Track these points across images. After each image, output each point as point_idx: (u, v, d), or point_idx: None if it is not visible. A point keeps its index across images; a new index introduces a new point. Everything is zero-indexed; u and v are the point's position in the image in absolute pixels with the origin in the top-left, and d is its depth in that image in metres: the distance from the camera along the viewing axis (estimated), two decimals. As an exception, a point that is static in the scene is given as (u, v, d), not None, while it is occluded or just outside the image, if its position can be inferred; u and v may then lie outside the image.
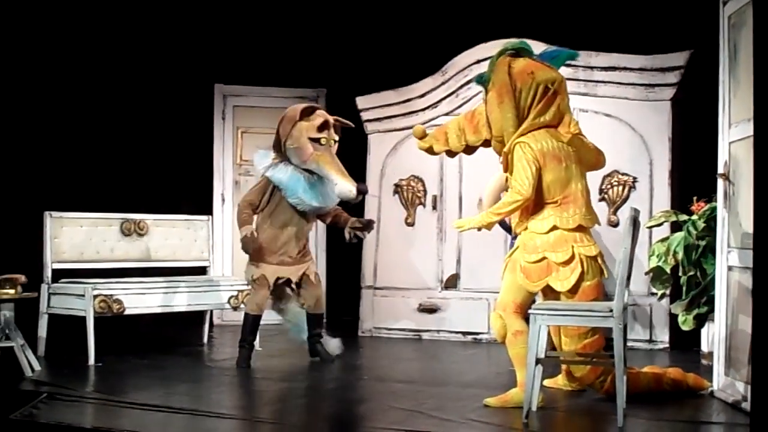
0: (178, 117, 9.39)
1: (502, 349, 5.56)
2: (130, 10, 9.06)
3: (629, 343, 5.53)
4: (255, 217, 6.89)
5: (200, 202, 9.14)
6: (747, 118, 4.91)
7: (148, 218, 7.85)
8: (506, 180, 5.71)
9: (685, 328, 6.63)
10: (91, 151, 9.05)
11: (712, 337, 5.85)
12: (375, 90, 8.78)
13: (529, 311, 5.10)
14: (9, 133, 8.57)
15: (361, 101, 8.80)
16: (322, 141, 6.77)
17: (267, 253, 6.81)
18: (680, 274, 6.60)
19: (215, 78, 9.52)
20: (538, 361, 5.02)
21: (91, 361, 6.75)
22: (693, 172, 7.33)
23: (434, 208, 8.51)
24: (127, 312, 7.05)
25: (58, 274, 7.27)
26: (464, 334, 8.09)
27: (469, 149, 5.75)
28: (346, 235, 7.18)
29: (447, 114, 8.15)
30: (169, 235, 7.94)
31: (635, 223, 4.97)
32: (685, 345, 7.27)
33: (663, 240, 6.82)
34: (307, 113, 6.79)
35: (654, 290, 7.12)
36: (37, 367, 6.36)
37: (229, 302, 7.59)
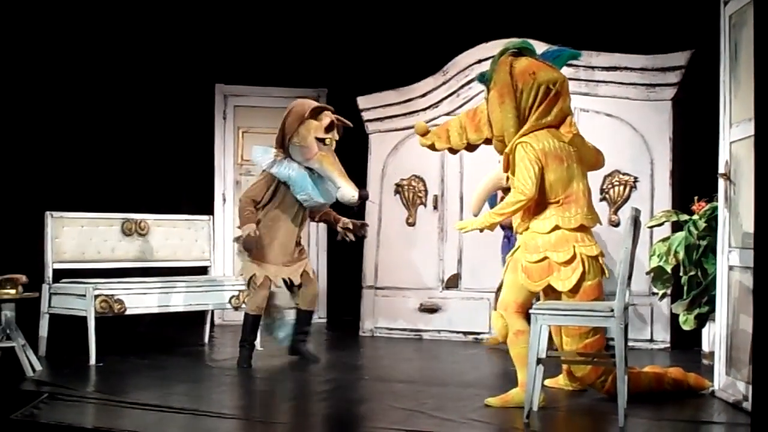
0: (179, 117, 9.40)
1: (502, 349, 5.56)
2: (131, 10, 9.06)
3: (630, 343, 5.52)
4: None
5: (201, 202, 9.15)
6: (748, 118, 4.91)
7: (149, 218, 7.85)
8: (506, 180, 5.71)
9: (686, 327, 6.62)
10: (92, 151, 9.05)
11: (713, 337, 5.84)
12: (376, 90, 8.78)
13: (530, 311, 5.10)
14: (10, 133, 8.58)
15: (362, 101, 8.80)
16: (327, 141, 6.77)
17: (269, 253, 6.79)
18: (681, 273, 6.60)
19: (216, 78, 9.53)
20: (539, 360, 5.01)
21: (92, 361, 6.75)
22: (694, 172, 7.33)
23: (435, 207, 8.51)
24: (128, 312, 7.05)
25: (59, 274, 7.27)
26: (465, 334, 8.09)
27: (471, 147, 5.75)
28: (339, 235, 7.20)
29: (448, 114, 8.14)
30: (169, 235, 7.94)
31: (636, 222, 4.97)
32: (686, 345, 7.27)
33: (664, 240, 6.82)
34: (316, 112, 6.78)
35: (655, 290, 7.12)
36: (38, 367, 6.36)
37: (230, 302, 7.59)
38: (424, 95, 8.52)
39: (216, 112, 9.53)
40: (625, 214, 7.33)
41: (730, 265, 5.33)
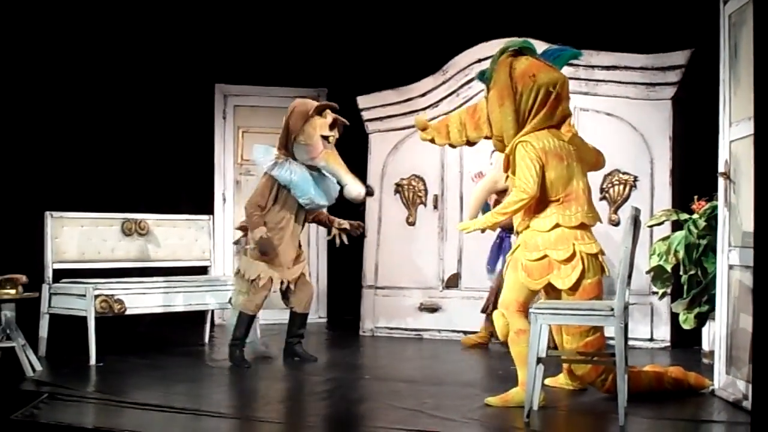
0: (179, 117, 9.39)
1: (502, 349, 5.56)
2: (131, 10, 9.06)
3: (630, 342, 5.51)
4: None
5: (201, 202, 9.15)
6: (747, 117, 4.90)
7: (149, 218, 7.85)
8: (505, 179, 5.71)
9: (686, 326, 6.62)
10: (91, 151, 9.04)
11: (713, 336, 5.84)
12: (376, 89, 8.78)
13: (530, 310, 5.10)
14: (9, 133, 8.57)
15: (362, 101, 8.80)
16: (330, 139, 6.78)
17: (274, 255, 6.78)
18: (681, 272, 6.60)
19: (216, 78, 9.53)
20: (539, 360, 5.01)
21: (92, 361, 6.75)
22: (694, 171, 7.32)
23: (435, 207, 8.51)
24: (128, 312, 7.05)
25: (59, 274, 7.27)
26: (465, 333, 8.08)
27: (471, 143, 5.76)
28: (333, 237, 7.20)
29: (448, 113, 8.12)
30: (169, 235, 7.94)
31: (636, 222, 4.97)
32: (686, 344, 7.27)
33: (664, 239, 6.82)
34: (320, 109, 6.77)
35: (655, 289, 7.11)
36: (38, 367, 6.36)
37: (230, 302, 7.58)
38: (423, 95, 8.52)
39: (216, 112, 9.53)
40: (625, 213, 7.32)
41: (730, 264, 5.33)
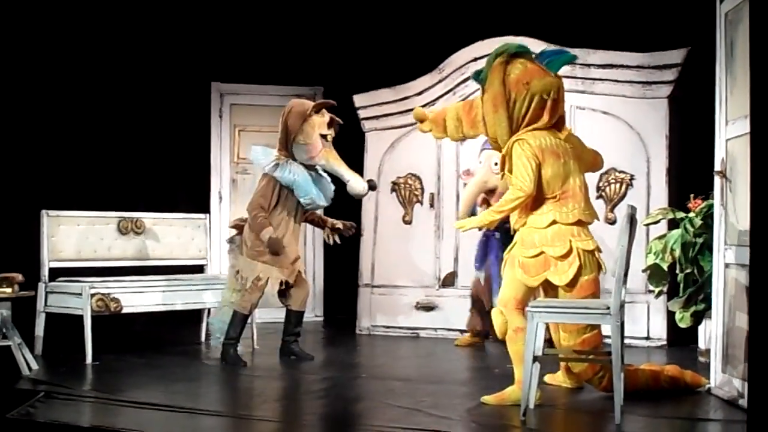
0: (175, 115, 9.39)
1: (501, 347, 5.55)
2: (128, 9, 9.05)
3: (626, 341, 5.51)
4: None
5: (197, 201, 9.13)
6: (744, 115, 4.91)
7: (146, 216, 7.84)
8: (501, 177, 5.71)
9: (682, 325, 6.63)
10: (88, 150, 9.04)
11: (710, 334, 5.85)
12: (372, 88, 8.78)
13: (527, 309, 5.10)
14: (6, 132, 8.57)
15: (358, 99, 8.80)
16: (328, 138, 6.78)
17: (283, 254, 6.77)
18: (677, 271, 6.61)
19: (212, 76, 9.52)
20: (535, 358, 5.02)
21: (89, 359, 6.75)
22: (690, 170, 7.33)
23: (432, 206, 8.51)
24: (124, 310, 7.04)
25: (55, 273, 7.27)
26: (462, 332, 8.08)
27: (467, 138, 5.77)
28: (325, 236, 7.22)
29: (444, 112, 8.13)
30: (166, 234, 7.93)
31: (632, 220, 4.97)
32: (683, 342, 7.28)
33: (660, 237, 6.82)
34: (318, 108, 6.77)
35: (651, 287, 7.11)
36: (34, 365, 6.35)
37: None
38: (420, 93, 8.52)
39: (212, 111, 9.53)
40: (621, 211, 7.32)
41: (726, 263, 5.33)
